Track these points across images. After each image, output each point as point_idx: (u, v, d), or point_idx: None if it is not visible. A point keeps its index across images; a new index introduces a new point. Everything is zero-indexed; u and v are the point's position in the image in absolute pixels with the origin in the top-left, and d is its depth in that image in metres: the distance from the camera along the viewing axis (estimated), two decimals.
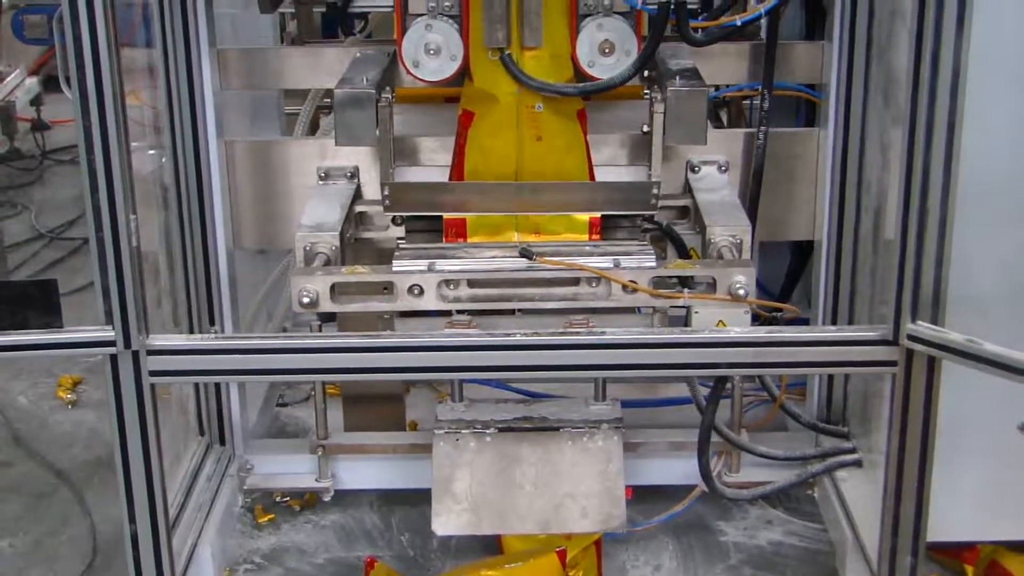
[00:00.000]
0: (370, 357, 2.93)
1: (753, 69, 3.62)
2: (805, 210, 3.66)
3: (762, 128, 3.51)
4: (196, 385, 3.67)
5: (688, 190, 3.49)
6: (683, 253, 3.35)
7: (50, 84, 7.32)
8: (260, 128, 4.35)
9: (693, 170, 3.52)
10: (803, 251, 4.14)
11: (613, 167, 3.42)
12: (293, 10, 4.94)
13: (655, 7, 3.01)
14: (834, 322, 3.66)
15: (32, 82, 7.48)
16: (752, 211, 3.52)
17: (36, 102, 7.41)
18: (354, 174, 3.51)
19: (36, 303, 2.84)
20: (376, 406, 3.88)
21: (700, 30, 3.11)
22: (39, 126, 7.36)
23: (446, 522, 3.39)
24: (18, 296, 2.85)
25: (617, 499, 3.35)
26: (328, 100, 4.30)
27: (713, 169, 3.52)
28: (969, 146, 2.70)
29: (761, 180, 3.54)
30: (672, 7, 3.00)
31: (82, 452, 4.28)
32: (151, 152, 3.40)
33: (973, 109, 2.68)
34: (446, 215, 3.24)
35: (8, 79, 7.37)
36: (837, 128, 3.50)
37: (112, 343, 2.83)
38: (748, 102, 4.33)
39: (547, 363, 2.93)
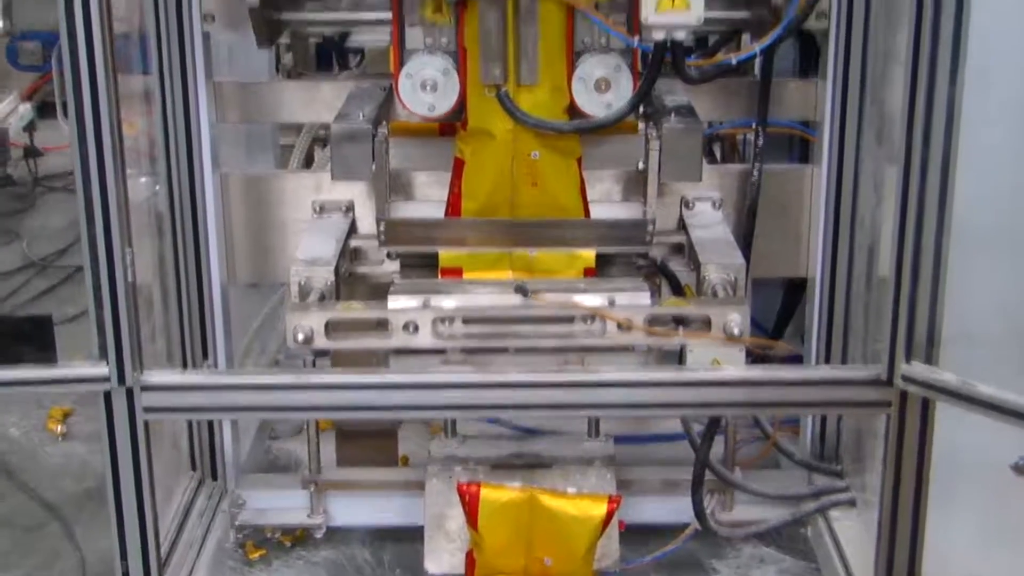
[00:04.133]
0: (364, 395, 2.92)
1: (747, 105, 3.62)
2: (799, 247, 3.66)
3: (756, 165, 3.52)
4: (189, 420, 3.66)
5: (682, 226, 3.49)
6: (677, 290, 3.35)
7: (44, 110, 7.33)
8: (255, 158, 4.35)
9: (687, 206, 3.52)
10: (797, 286, 4.14)
11: (607, 203, 3.42)
12: (288, 42, 4.95)
13: (650, 46, 3.02)
14: (827, 359, 3.66)
15: (26, 108, 7.47)
16: (746, 248, 3.52)
17: (29, 128, 7.40)
18: (349, 208, 3.52)
19: (31, 338, 2.83)
20: (369, 441, 3.87)
21: (695, 68, 3.12)
22: (32, 152, 7.34)
23: (439, 560, 3.38)
24: (13, 331, 2.84)
25: (610, 535, 3.34)
26: (324, 131, 4.31)
27: (707, 205, 3.52)
28: (964, 186, 2.71)
29: (755, 217, 3.54)
30: (668, 46, 3.01)
31: (72, 484, 4.25)
32: (144, 179, 3.40)
33: (969, 149, 2.69)
34: (441, 257, 3.24)
35: (2, 105, 7.36)
36: (831, 165, 3.50)
37: (106, 379, 2.83)
38: (742, 136, 4.35)
39: (542, 402, 2.94)
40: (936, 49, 2.60)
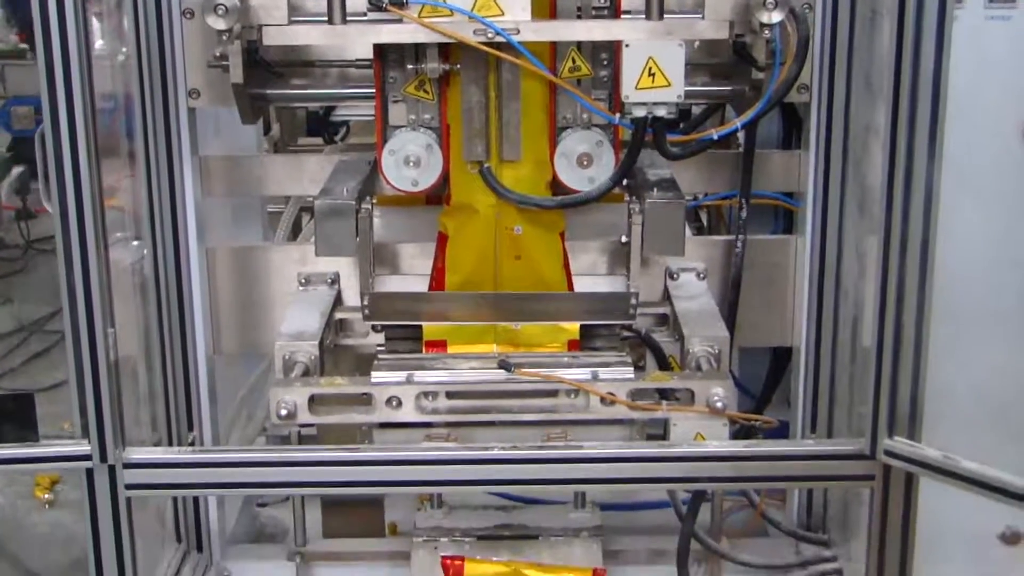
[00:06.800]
0: (349, 471, 2.92)
1: (731, 177, 3.65)
2: (783, 316, 3.67)
3: (740, 236, 3.53)
4: None
5: (667, 296, 3.50)
6: (662, 362, 3.35)
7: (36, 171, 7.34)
8: (241, 224, 4.34)
9: (672, 277, 3.53)
10: (782, 353, 4.14)
11: (592, 276, 3.43)
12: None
13: (631, 123, 3.04)
14: (814, 427, 3.66)
15: (18, 171, 7.47)
16: (731, 318, 3.52)
17: (22, 191, 7.40)
18: (335, 280, 3.53)
19: (12, 417, 2.84)
20: (355, 511, 3.85)
21: (677, 145, 3.13)
22: (24, 215, 7.35)
23: None
24: None
25: None
26: (311, 198, 4.33)
27: (692, 276, 3.53)
28: (944, 263, 2.72)
29: (739, 288, 3.55)
30: (649, 122, 3.03)
31: (59, 554, 4.24)
32: (131, 243, 3.39)
33: (948, 226, 2.70)
34: (426, 330, 3.25)
35: None
36: (814, 236, 3.50)
37: (88, 457, 2.82)
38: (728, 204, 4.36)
39: (526, 477, 2.93)
40: (913, 130, 2.61)
